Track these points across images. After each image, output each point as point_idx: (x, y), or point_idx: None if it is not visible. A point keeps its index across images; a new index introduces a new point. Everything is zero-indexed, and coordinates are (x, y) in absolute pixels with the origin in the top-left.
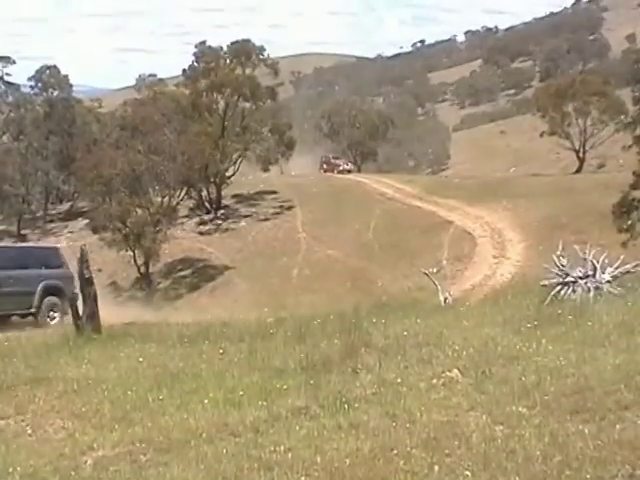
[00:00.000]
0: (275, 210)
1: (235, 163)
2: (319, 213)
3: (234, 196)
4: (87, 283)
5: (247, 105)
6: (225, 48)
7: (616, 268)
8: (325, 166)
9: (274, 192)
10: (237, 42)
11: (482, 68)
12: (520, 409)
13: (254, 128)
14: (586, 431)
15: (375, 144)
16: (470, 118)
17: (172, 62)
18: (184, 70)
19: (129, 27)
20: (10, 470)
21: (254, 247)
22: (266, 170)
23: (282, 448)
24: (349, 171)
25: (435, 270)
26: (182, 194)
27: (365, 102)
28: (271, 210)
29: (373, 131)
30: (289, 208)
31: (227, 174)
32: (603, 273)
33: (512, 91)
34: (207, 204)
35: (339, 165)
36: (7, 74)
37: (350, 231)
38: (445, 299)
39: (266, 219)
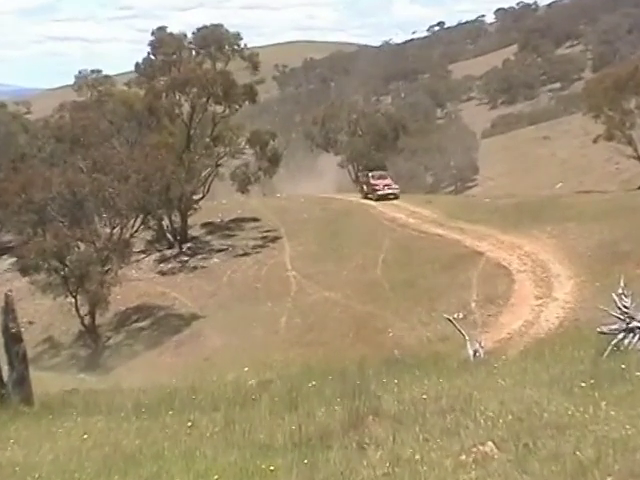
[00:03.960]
0: (257, 242)
1: (205, 183)
2: (312, 245)
3: (204, 225)
4: (13, 340)
5: (219, 109)
6: (190, 36)
7: None
8: (365, 187)
9: (255, 219)
10: (205, 28)
11: (518, 56)
12: None
13: (228, 138)
14: None
15: (383, 156)
16: (503, 121)
17: (121, 54)
18: (137, 65)
19: (61, 9)
20: None
21: (230, 290)
22: (244, 192)
23: None
24: (394, 196)
25: (461, 315)
26: (137, 224)
27: (369, 103)
28: (251, 242)
29: (380, 139)
30: (274, 239)
31: (195, 197)
32: None
33: (557, 85)
34: (169, 236)
35: (376, 187)
36: None
37: (352, 267)
38: (475, 352)
39: (245, 254)
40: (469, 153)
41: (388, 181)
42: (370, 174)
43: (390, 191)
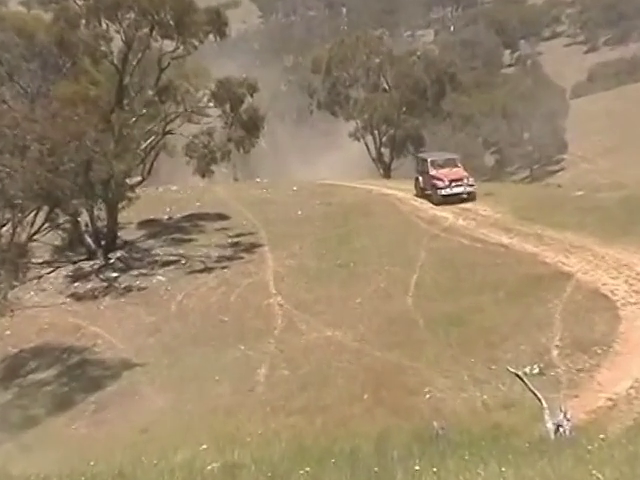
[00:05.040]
0: (224, 252)
1: (145, 160)
2: (309, 258)
3: (143, 224)
4: None
5: (169, 45)
6: None
7: None
8: (421, 180)
9: (222, 217)
10: None
11: None
12: None
13: (182, 91)
14: None
15: (419, 123)
16: (607, 70)
17: None
18: None
19: None
20: None
21: (182, 325)
22: (206, 174)
23: None
24: (469, 197)
25: (537, 370)
26: (39, 220)
27: (400, 39)
28: (216, 252)
29: (416, 97)
30: (251, 248)
31: (129, 181)
32: None
33: None
34: (89, 240)
35: (439, 182)
36: None
37: (370, 293)
38: (557, 427)
39: (206, 269)
40: (553, 120)
41: (458, 172)
42: (429, 159)
43: (462, 189)
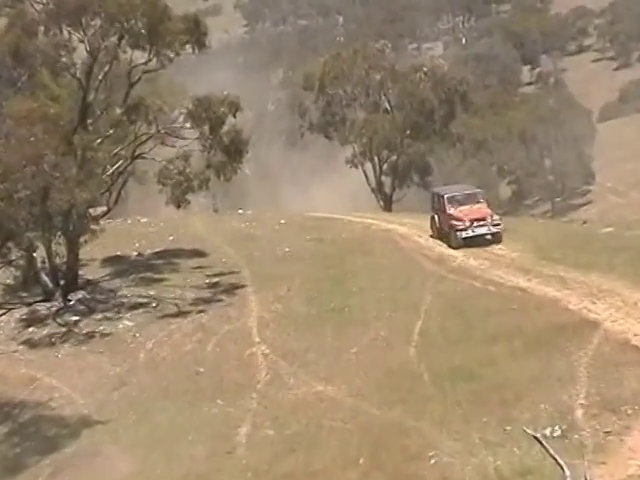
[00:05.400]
0: (200, 294)
1: (112, 187)
2: (298, 301)
3: (108, 261)
4: None
5: (140, 57)
6: None
7: None
8: (437, 220)
9: (199, 253)
10: None
11: None
12: None
13: (155, 109)
14: None
15: (426, 147)
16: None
17: None
18: None
19: None
20: None
21: (151, 377)
22: (181, 205)
23: None
24: (494, 239)
25: (558, 432)
26: None
27: (405, 52)
28: (191, 294)
29: (422, 119)
30: (232, 290)
31: (93, 212)
32: None
33: None
34: (46, 279)
35: (457, 221)
36: None
37: (367, 343)
38: None
39: (180, 314)
40: (578, 146)
41: (481, 209)
42: (446, 195)
43: (485, 230)
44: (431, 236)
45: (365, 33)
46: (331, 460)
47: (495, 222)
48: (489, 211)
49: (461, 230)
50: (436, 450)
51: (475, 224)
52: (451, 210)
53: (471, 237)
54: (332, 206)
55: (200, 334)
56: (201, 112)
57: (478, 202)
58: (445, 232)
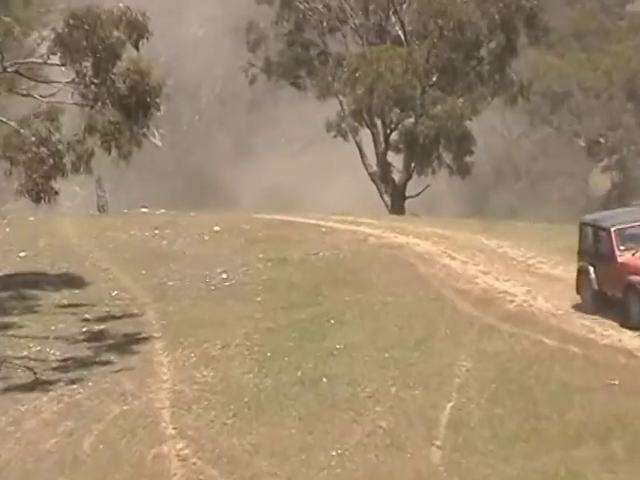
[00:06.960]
0: (75, 351)
1: None
2: (240, 366)
3: None
4: None
5: None
6: None
7: None
8: (593, 273)
9: (73, 280)
10: None
11: None
12: None
13: (2, 31)
14: None
15: (465, 104)
16: None
17: None
18: None
19: None
20: None
21: None
22: (43, 196)
23: None
24: None
25: None
26: None
27: None
28: (59, 350)
29: (460, 55)
30: (129, 344)
31: None
32: None
33: None
34: None
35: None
36: None
37: (358, 437)
38: None
39: (38, 386)
40: None
41: None
42: (613, 228)
43: None
44: (581, 300)
45: None
46: None
47: None
48: None
49: None
50: None
51: None
52: (624, 257)
53: None
54: (304, 203)
55: (71, 422)
56: (80, 38)
57: None
58: (615, 297)
